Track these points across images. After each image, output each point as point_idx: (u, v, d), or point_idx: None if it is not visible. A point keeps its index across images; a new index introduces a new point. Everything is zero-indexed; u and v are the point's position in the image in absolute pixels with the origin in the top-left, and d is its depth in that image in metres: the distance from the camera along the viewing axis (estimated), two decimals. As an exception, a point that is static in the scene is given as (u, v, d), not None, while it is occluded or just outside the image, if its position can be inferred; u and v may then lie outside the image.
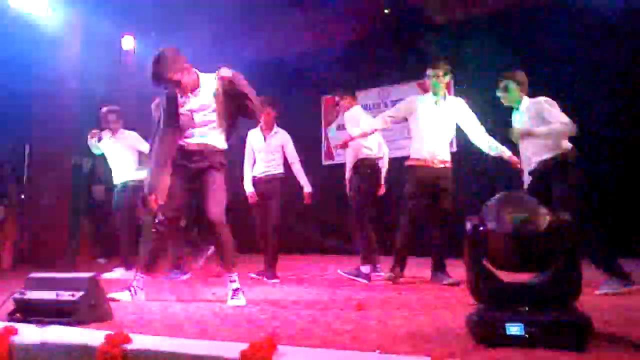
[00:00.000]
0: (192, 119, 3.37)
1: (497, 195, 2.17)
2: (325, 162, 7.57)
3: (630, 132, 5.72)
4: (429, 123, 4.16)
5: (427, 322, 2.45)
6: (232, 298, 3.25)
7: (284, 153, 4.94)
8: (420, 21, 6.89)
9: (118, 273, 5.11)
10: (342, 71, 7.31)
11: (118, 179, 5.39)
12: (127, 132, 5.43)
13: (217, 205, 3.34)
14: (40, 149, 6.67)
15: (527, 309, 1.96)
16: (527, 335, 1.88)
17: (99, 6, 6.87)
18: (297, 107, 7.55)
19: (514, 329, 1.90)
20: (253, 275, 4.73)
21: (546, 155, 3.56)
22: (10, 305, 2.68)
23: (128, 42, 8.06)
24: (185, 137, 3.40)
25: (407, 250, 4.20)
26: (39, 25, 6.35)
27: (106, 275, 4.94)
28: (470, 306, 2.21)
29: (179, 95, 3.38)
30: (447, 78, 4.21)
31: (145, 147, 5.22)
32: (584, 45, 5.64)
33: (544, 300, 1.97)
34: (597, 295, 3.22)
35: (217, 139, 3.43)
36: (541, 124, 3.53)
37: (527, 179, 3.75)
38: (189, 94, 3.36)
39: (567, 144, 3.55)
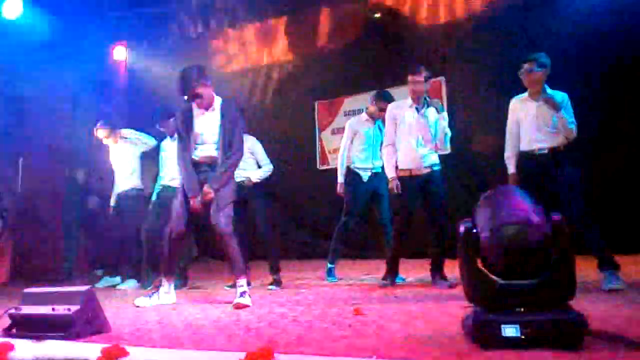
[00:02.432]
0: (203, 134, 3.63)
1: (488, 194, 2.17)
2: (320, 167, 7.56)
3: (629, 131, 5.71)
4: (410, 130, 4.12)
5: (423, 326, 2.45)
6: (240, 296, 3.38)
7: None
8: (410, 23, 6.90)
9: (131, 283, 5.09)
10: (336, 75, 7.31)
11: (120, 187, 5.34)
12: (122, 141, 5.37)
13: (224, 216, 3.49)
14: (34, 162, 6.64)
15: (522, 310, 1.97)
16: (523, 337, 1.88)
17: (91, 16, 6.87)
18: (292, 112, 7.56)
19: (510, 330, 1.90)
20: (271, 288, 4.45)
21: (554, 143, 3.62)
22: (6, 321, 2.67)
23: (120, 53, 8.05)
24: (195, 149, 3.63)
25: (398, 259, 4.25)
26: (31, 36, 6.33)
27: (121, 286, 5.03)
28: (466, 308, 2.21)
29: (195, 109, 3.65)
30: (427, 84, 4.12)
31: (144, 140, 5.28)
32: (579, 44, 5.62)
33: (539, 301, 1.97)
34: (595, 295, 3.19)
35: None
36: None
37: (512, 160, 3.81)
38: (204, 111, 3.65)
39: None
